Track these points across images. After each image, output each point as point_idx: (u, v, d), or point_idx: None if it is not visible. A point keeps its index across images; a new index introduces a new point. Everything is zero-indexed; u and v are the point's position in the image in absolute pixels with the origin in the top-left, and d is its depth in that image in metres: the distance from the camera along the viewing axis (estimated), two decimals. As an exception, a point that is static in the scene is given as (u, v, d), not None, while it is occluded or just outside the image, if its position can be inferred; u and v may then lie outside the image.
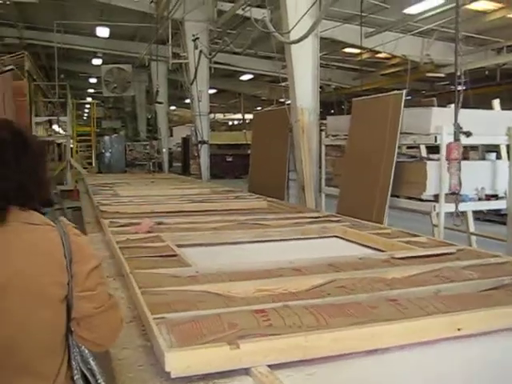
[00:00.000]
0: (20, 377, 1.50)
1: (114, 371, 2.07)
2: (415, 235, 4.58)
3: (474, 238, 7.29)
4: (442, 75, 16.03)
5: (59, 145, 24.19)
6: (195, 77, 13.67)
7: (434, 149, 6.70)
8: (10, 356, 1.48)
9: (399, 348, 2.16)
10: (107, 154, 22.95)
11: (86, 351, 1.65)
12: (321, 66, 8.58)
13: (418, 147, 7.82)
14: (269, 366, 1.97)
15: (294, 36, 7.19)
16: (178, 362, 1.92)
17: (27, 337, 1.49)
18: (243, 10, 10.38)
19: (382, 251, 4.03)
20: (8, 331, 1.47)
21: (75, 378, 1.61)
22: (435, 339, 2.22)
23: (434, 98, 10.08)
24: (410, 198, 6.41)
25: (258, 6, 9.91)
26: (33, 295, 1.48)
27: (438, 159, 5.99)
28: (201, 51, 13.07)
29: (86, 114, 37.69)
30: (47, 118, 18.85)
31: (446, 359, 2.13)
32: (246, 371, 1.97)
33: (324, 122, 9.59)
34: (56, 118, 18.63)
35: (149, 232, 4.61)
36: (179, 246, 4.10)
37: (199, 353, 1.95)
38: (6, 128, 1.56)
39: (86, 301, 1.56)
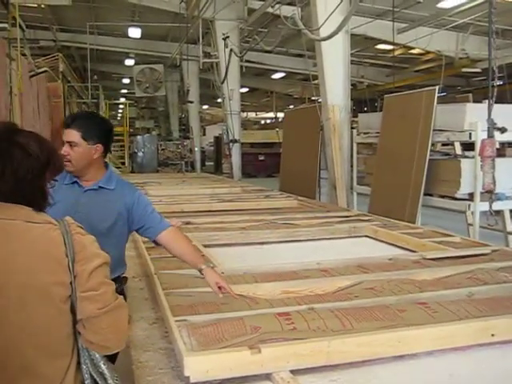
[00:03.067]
0: (21, 378, 1.47)
1: (133, 374, 2.04)
2: (448, 235, 4.45)
3: (511, 237, 7.07)
4: (479, 70, 15.63)
5: (93, 145, 24.47)
6: (226, 75, 13.68)
7: (470, 146, 6.52)
8: (10, 356, 1.46)
9: (428, 354, 2.07)
10: (140, 154, 23.12)
11: (97, 355, 1.60)
12: (353, 63, 8.48)
13: (452, 144, 7.63)
14: (291, 371, 1.91)
15: (324, 33, 7.09)
16: (197, 366, 1.88)
17: (27, 336, 1.47)
18: (273, 7, 10.31)
19: (413, 252, 3.93)
20: (7, 330, 1.45)
21: (86, 382, 1.57)
22: (467, 345, 2.12)
23: (470, 94, 9.85)
24: (443, 197, 6.26)
25: (289, 4, 9.82)
26: (33, 294, 1.46)
27: (473, 157, 5.83)
28: (231, 50, 13.06)
29: (119, 114, 38.19)
30: (81, 119, 19.10)
31: (479, 367, 2.03)
32: (267, 376, 1.92)
33: (356, 119, 9.45)
34: (89, 118, 18.86)
35: (176, 232, 4.58)
36: (206, 246, 4.07)
37: (219, 357, 1.90)
38: (7, 136, 1.54)
39: (89, 301, 1.52)
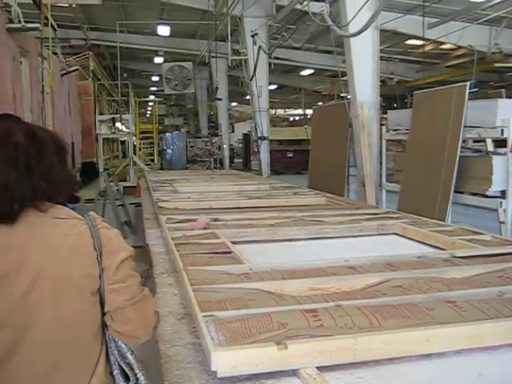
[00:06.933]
0: (56, 371, 1.51)
1: (162, 368, 2.06)
2: (479, 233, 4.37)
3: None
4: (512, 65, 15.37)
5: (123, 142, 24.86)
6: (254, 73, 13.71)
7: (502, 142, 6.42)
8: (45, 349, 1.49)
9: (456, 353, 2.05)
10: (169, 151, 23.35)
11: (124, 346, 1.64)
12: (383, 59, 8.41)
13: (484, 141, 7.51)
14: (317, 367, 1.91)
15: (352, 29, 7.06)
16: (224, 361, 1.89)
17: (61, 329, 1.51)
18: (301, 4, 10.29)
19: (443, 250, 3.87)
20: (41, 323, 1.48)
21: (114, 372, 1.61)
22: (497, 345, 2.09)
23: (503, 90, 9.67)
24: (474, 194, 6.17)
25: (317, 0, 9.79)
26: (64, 287, 1.50)
27: (505, 153, 5.73)
28: (260, 47, 13.08)
29: (148, 112, 38.53)
30: (111, 116, 19.38)
31: (509, 367, 2.00)
32: (293, 372, 1.92)
33: (385, 116, 9.37)
34: (119, 116, 19.13)
35: (205, 228, 4.62)
36: (234, 242, 4.07)
37: (246, 352, 1.91)
38: (19, 131, 1.56)
39: (117, 293, 1.57)
